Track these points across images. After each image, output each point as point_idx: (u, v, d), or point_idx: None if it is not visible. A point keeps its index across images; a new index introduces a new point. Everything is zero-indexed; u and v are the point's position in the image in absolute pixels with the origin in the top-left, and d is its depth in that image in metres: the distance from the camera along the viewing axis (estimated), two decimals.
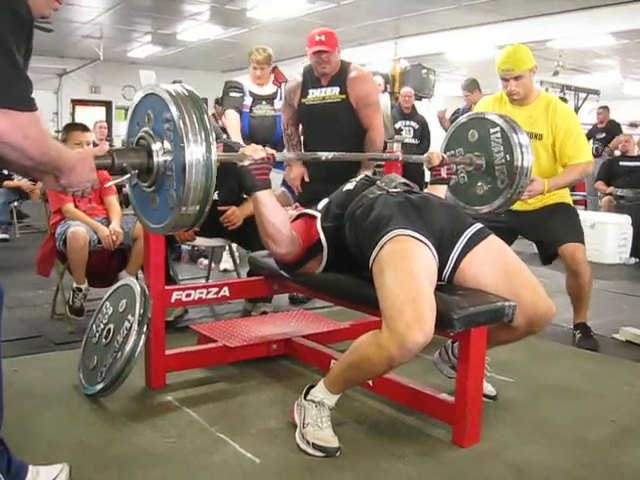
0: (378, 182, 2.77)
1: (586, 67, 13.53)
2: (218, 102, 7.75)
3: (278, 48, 12.80)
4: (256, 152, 2.51)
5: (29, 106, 1.66)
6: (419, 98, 10.07)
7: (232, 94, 5.11)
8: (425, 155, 3.27)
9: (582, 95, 11.59)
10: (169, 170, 2.10)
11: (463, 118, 3.59)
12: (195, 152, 2.01)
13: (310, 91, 4.38)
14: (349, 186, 2.83)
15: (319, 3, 9.26)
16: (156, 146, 2.11)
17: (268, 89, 5.25)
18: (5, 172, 7.08)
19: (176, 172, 2.06)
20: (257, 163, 2.49)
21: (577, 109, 11.35)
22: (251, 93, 5.14)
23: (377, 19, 10.22)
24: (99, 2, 9.65)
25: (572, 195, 10.51)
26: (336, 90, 4.31)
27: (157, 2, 9.46)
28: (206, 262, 5.67)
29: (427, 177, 5.91)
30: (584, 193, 10.39)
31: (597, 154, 9.67)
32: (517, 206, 3.64)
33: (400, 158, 3.34)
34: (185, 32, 11.61)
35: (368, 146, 4.25)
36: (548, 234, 3.79)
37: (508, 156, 3.27)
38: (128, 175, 2.17)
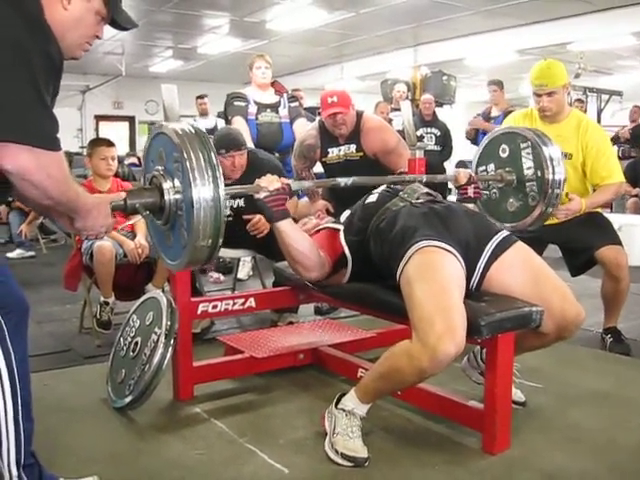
0: (401, 193, 2.76)
1: (608, 68, 13.42)
2: (220, 116, 7.79)
3: (298, 58, 12.96)
4: (271, 183, 2.51)
5: (54, 146, 1.67)
6: (440, 105, 10.04)
7: (236, 103, 5.18)
8: (451, 174, 3.20)
9: (605, 97, 11.49)
10: (180, 209, 2.13)
11: (495, 133, 3.52)
12: (202, 191, 2.03)
13: (329, 150, 4.43)
14: (372, 198, 2.83)
15: (338, 13, 9.28)
16: (167, 185, 2.14)
17: (271, 97, 5.34)
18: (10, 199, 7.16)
19: (186, 211, 2.09)
20: (273, 194, 2.49)
21: (600, 111, 11.27)
22: (255, 102, 5.21)
23: (396, 27, 10.22)
24: None
25: None
26: (353, 147, 4.36)
27: (177, 17, 9.53)
28: (216, 275, 5.69)
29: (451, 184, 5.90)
30: None
31: (623, 156, 9.56)
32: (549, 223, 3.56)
33: (424, 179, 3.12)
34: (205, 46, 11.69)
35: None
36: (582, 240, 3.67)
37: (539, 172, 3.21)
38: (140, 217, 2.22)
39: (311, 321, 3.97)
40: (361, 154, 4.35)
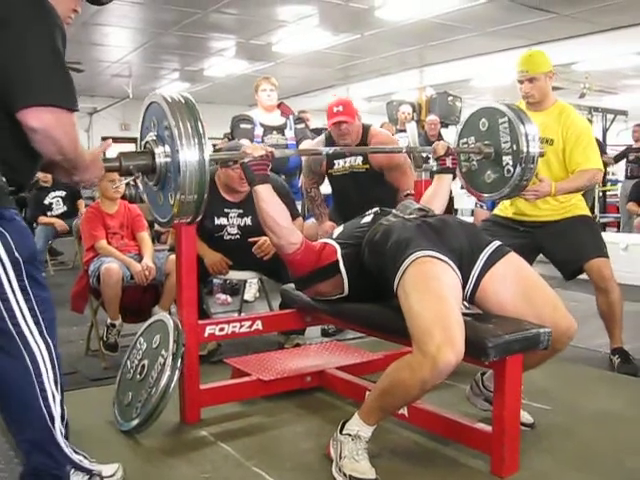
0: (394, 211, 2.82)
1: (613, 88, 13.45)
2: (227, 137, 7.83)
3: (304, 80, 13.04)
4: (256, 150, 2.76)
5: (73, 106, 1.90)
6: (446, 125, 10.08)
7: (242, 125, 5.22)
8: (431, 146, 3.39)
9: (610, 116, 11.51)
10: (169, 171, 2.44)
11: (477, 108, 3.67)
12: (189, 154, 2.35)
13: (335, 162, 4.45)
14: (366, 219, 2.89)
15: (343, 35, 9.33)
16: (159, 150, 2.46)
17: (277, 119, 5.37)
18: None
19: (174, 172, 2.39)
20: (256, 160, 2.71)
21: (605, 131, 11.28)
22: (261, 124, 5.24)
23: (402, 48, 10.27)
24: (127, 41, 9.84)
25: (603, 217, 10.47)
26: (359, 160, 4.37)
27: (184, 39, 9.60)
28: (224, 297, 5.69)
29: (457, 204, 5.92)
30: (617, 215, 10.28)
31: (631, 175, 9.56)
32: (535, 217, 3.75)
33: (404, 150, 3.61)
34: (212, 68, 11.77)
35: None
36: (572, 250, 3.75)
37: (515, 146, 3.36)
38: (133, 177, 2.51)
39: (318, 343, 3.96)
40: (367, 166, 4.36)
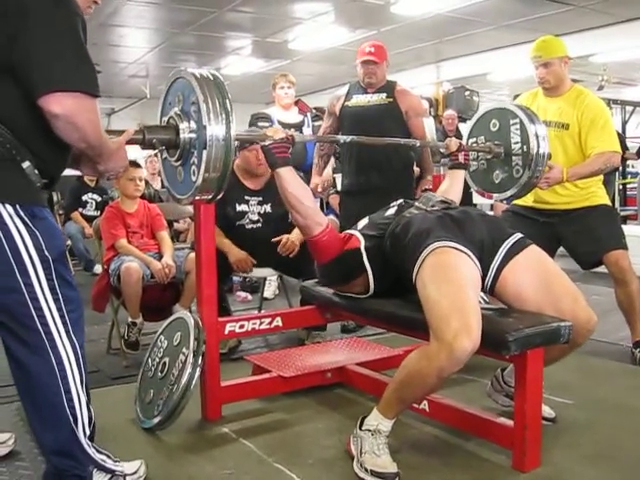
0: (416, 203, 2.83)
1: (632, 80, 13.32)
2: None
3: (320, 77, 13.02)
4: (277, 133, 2.76)
5: (96, 92, 1.89)
6: (463, 120, 10.02)
7: (260, 123, 5.23)
8: (444, 142, 3.43)
9: (629, 109, 11.42)
10: (193, 147, 2.40)
11: (488, 108, 3.68)
12: (216, 131, 2.30)
13: (354, 96, 4.44)
14: (390, 212, 2.89)
15: (359, 31, 9.31)
16: (183, 125, 2.41)
17: (295, 117, 5.38)
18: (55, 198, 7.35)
19: (198, 149, 2.36)
20: (277, 142, 2.72)
21: (625, 123, 11.19)
22: (279, 122, 5.24)
23: (418, 44, 10.23)
24: (144, 42, 9.87)
25: (624, 210, 10.38)
26: (383, 95, 4.36)
27: (200, 39, 9.63)
28: (244, 295, 5.71)
29: (474, 199, 5.90)
30: (636, 207, 10.20)
31: None
32: (555, 205, 3.75)
33: (418, 144, 3.62)
34: (228, 67, 11.78)
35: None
36: (590, 242, 3.74)
37: (525, 147, 3.38)
38: (157, 150, 2.46)
39: (338, 339, 3.97)
40: (391, 100, 4.37)
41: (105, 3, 7.53)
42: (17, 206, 1.89)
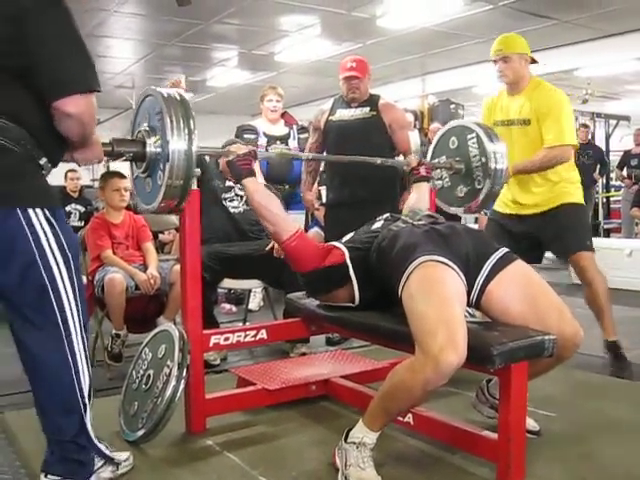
0: (403, 217, 2.84)
1: (615, 93, 13.46)
2: None
3: (306, 90, 13.06)
4: (239, 149, 2.95)
5: (99, 88, 2.03)
6: None
7: (246, 135, 5.23)
8: (404, 159, 3.57)
9: (612, 122, 11.52)
10: (159, 161, 2.56)
11: (446, 127, 3.80)
12: (178, 145, 2.49)
13: (338, 111, 4.48)
14: (376, 225, 2.89)
15: (346, 44, 9.36)
16: (150, 140, 2.59)
17: (281, 130, 5.39)
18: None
19: (163, 160, 2.53)
20: (240, 157, 2.87)
21: (608, 136, 11.28)
22: (265, 134, 5.26)
23: (404, 57, 10.30)
24: (131, 53, 9.88)
25: (607, 223, 10.45)
26: (366, 109, 4.40)
27: (186, 50, 9.64)
28: (228, 306, 5.70)
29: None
30: (619, 220, 10.27)
31: (636, 182, 9.55)
32: (531, 207, 3.83)
33: (379, 162, 3.62)
34: (214, 78, 11.80)
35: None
36: (559, 245, 3.88)
37: (483, 158, 3.50)
38: (124, 157, 2.62)
39: (323, 352, 3.97)
40: (374, 113, 4.42)
41: (92, 14, 7.54)
42: (45, 209, 2.01)
